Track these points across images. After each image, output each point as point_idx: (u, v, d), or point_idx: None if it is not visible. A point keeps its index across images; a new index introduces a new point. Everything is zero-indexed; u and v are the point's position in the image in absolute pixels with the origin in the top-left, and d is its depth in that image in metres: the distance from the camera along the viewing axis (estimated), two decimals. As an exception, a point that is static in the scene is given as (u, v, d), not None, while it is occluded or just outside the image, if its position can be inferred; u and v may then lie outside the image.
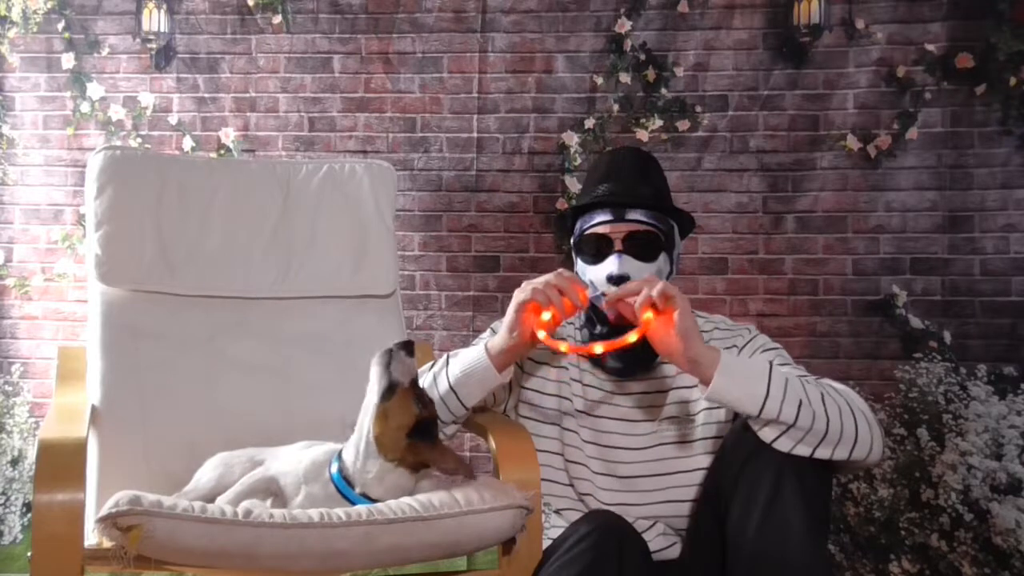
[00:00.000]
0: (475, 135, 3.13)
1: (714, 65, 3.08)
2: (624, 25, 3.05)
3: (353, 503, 1.32)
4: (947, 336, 2.94)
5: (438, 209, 3.14)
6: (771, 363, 1.33)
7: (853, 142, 3.01)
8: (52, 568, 1.18)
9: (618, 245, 1.50)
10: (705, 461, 1.48)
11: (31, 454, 2.77)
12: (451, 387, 1.45)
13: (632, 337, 1.34)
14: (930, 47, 2.99)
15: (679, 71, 3.07)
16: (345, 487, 1.35)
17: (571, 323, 1.61)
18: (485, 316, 3.07)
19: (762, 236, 3.06)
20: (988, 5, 2.94)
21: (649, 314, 1.32)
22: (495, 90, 3.13)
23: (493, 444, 1.44)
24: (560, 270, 1.42)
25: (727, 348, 1.51)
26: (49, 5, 3.09)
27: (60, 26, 3.12)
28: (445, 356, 1.52)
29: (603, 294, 1.46)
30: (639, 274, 1.48)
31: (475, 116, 3.13)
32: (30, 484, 2.59)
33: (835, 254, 3.04)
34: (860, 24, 3.01)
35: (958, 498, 2.27)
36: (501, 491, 1.34)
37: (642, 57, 3.07)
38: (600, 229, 1.52)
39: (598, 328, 1.51)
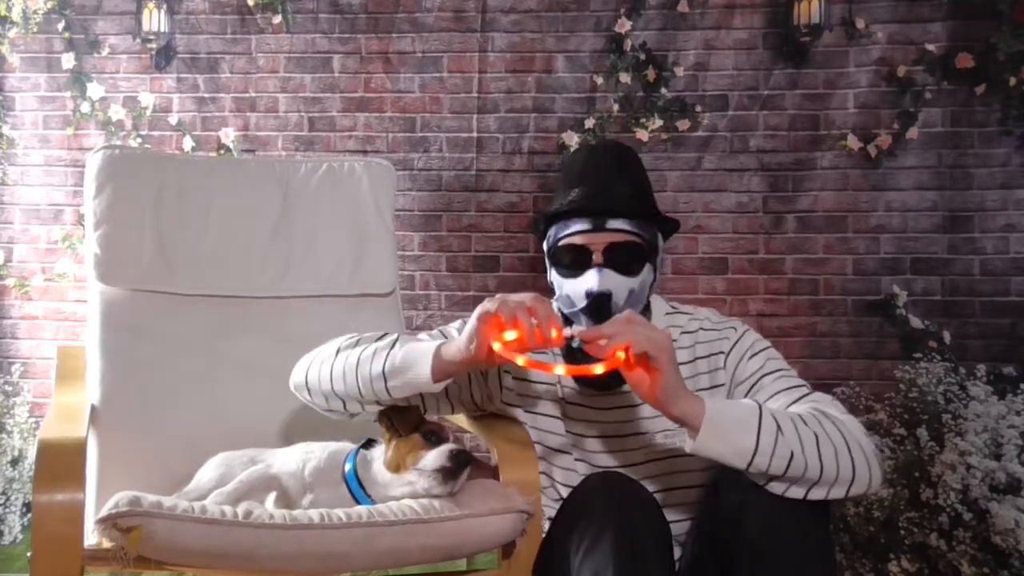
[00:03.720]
0: (475, 135, 3.13)
1: (714, 65, 3.09)
2: (624, 25, 3.05)
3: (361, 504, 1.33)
4: (947, 336, 2.94)
5: (438, 209, 3.14)
6: (761, 411, 1.21)
7: (853, 142, 3.01)
8: (52, 568, 1.18)
9: (598, 258, 1.38)
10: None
11: (31, 454, 2.77)
12: (383, 372, 1.32)
13: (598, 369, 1.21)
14: (930, 47, 2.99)
15: (679, 71, 3.07)
16: (358, 490, 1.35)
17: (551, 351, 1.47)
18: (485, 316, 3.07)
19: (762, 236, 3.07)
20: (988, 5, 2.94)
21: (621, 353, 1.20)
22: (495, 90, 3.13)
23: (494, 447, 1.44)
24: (537, 295, 1.25)
25: (712, 355, 1.44)
26: (49, 5, 3.09)
27: (60, 26, 3.12)
28: (395, 336, 1.39)
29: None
30: (620, 289, 1.37)
31: (475, 116, 3.13)
32: (30, 484, 2.59)
33: (835, 254, 3.04)
34: (860, 24, 3.01)
35: (957, 498, 2.26)
36: (502, 495, 1.34)
37: (642, 57, 3.07)
38: (577, 239, 1.39)
39: (578, 341, 1.35)
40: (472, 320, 1.25)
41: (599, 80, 3.08)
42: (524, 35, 3.13)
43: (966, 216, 3.00)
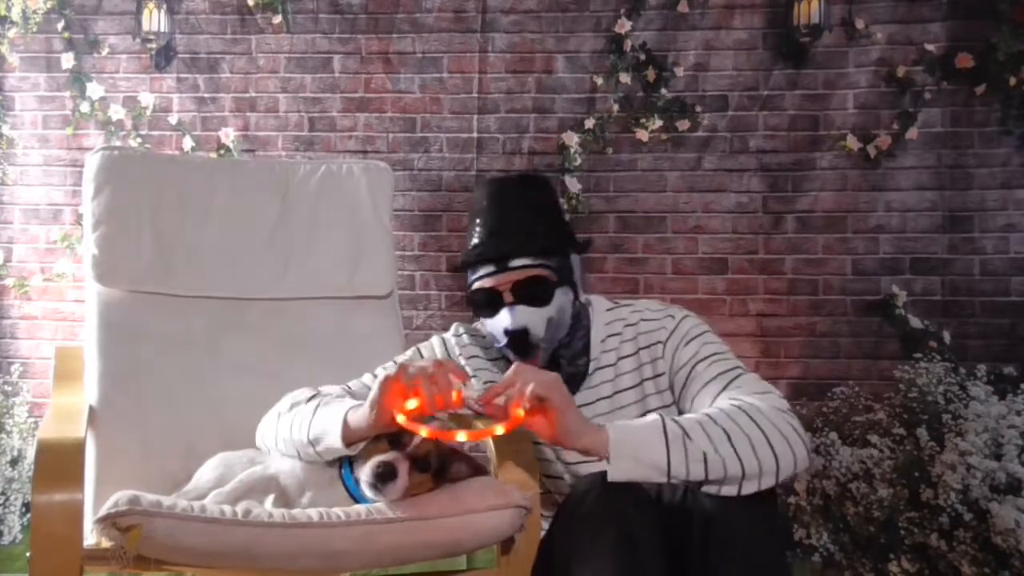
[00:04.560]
0: (475, 135, 3.13)
1: (714, 65, 3.09)
2: (624, 25, 3.05)
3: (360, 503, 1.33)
4: (947, 336, 2.94)
5: (438, 209, 3.14)
6: (664, 422, 1.23)
7: (853, 142, 3.01)
8: (52, 568, 1.17)
9: (508, 297, 1.43)
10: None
11: (31, 454, 2.77)
12: (308, 441, 1.35)
13: (499, 430, 1.23)
14: (930, 47, 2.99)
15: (679, 71, 3.07)
16: (355, 488, 1.35)
17: (487, 369, 1.54)
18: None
19: (762, 236, 3.07)
20: (988, 5, 2.94)
21: (520, 411, 1.22)
22: (495, 90, 3.13)
23: (491, 444, 1.44)
24: (442, 361, 1.29)
25: (652, 345, 1.46)
26: (49, 5, 3.09)
27: (60, 26, 3.12)
28: (318, 399, 1.41)
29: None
30: (536, 322, 1.42)
31: (475, 116, 3.13)
32: (29, 484, 2.58)
33: (835, 254, 3.04)
34: (860, 24, 3.01)
35: (957, 498, 2.26)
36: (500, 491, 1.34)
37: (642, 57, 3.07)
38: (486, 282, 1.45)
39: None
40: (375, 388, 1.27)
41: (599, 80, 3.08)
42: (524, 35, 3.13)
43: (966, 216, 3.00)
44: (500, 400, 1.26)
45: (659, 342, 1.46)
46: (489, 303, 1.46)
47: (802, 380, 3.01)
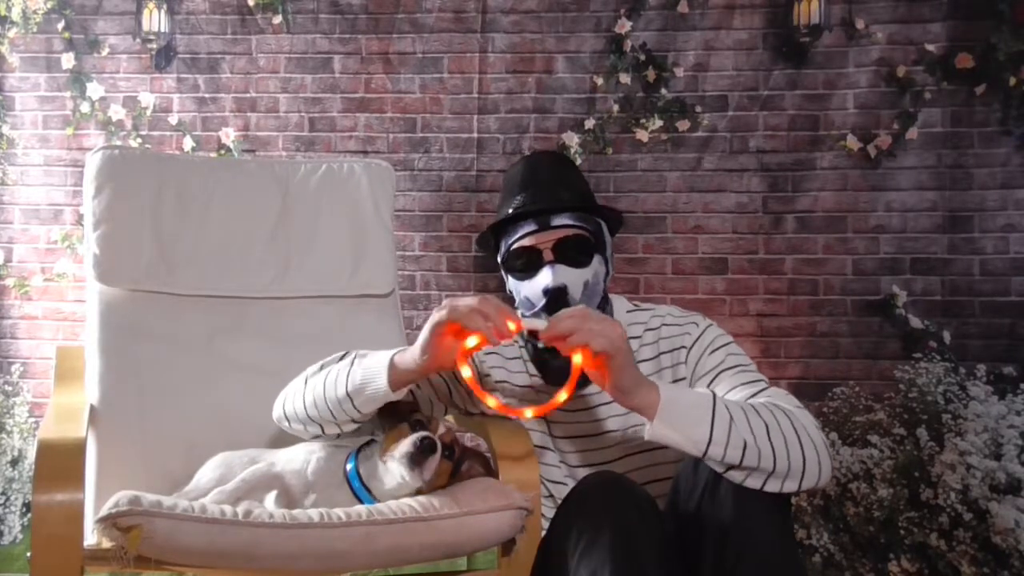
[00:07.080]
0: (475, 135, 3.13)
1: (714, 65, 3.09)
2: (624, 25, 3.05)
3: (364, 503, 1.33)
4: (947, 336, 2.94)
5: (438, 209, 3.14)
6: (715, 400, 1.24)
7: (853, 142, 3.02)
8: (52, 568, 1.17)
9: (548, 255, 1.43)
10: None
11: (31, 454, 2.77)
12: (348, 393, 1.34)
13: (562, 397, 1.24)
14: (930, 47, 2.99)
15: (679, 71, 3.07)
16: (361, 489, 1.35)
17: (503, 367, 1.55)
18: (485, 316, 3.06)
19: (762, 236, 3.07)
20: (988, 5, 2.94)
21: (578, 357, 1.22)
22: (495, 90, 3.14)
23: (492, 445, 1.44)
24: (485, 295, 1.26)
25: (675, 350, 1.47)
26: (49, 5, 3.09)
27: (60, 26, 3.12)
28: (353, 354, 1.40)
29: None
30: (575, 282, 1.42)
31: (475, 116, 3.13)
32: (30, 484, 2.59)
33: (835, 254, 3.04)
34: (860, 24, 3.01)
35: (957, 498, 2.27)
36: (501, 492, 1.34)
37: (642, 57, 3.07)
38: (526, 241, 1.45)
39: (542, 343, 1.35)
40: (424, 332, 1.25)
41: (599, 81, 3.08)
42: (524, 36, 3.13)
43: (966, 216, 3.00)
44: (571, 338, 1.22)
45: (683, 347, 1.46)
46: (528, 264, 1.45)
47: (802, 380, 3.01)
